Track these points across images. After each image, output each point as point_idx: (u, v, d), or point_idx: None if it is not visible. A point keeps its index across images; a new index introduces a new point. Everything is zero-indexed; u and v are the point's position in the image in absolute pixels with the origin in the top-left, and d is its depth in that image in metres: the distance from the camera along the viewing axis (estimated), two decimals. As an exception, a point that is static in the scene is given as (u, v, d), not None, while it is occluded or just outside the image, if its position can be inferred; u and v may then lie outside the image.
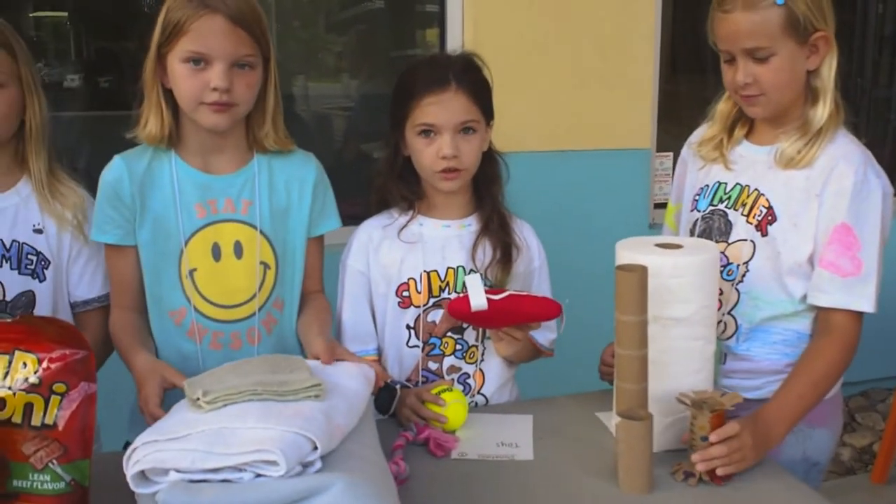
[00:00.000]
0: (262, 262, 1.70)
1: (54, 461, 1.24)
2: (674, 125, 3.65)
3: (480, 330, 1.82)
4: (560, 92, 3.42)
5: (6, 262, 1.68)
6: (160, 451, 1.19)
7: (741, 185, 1.76)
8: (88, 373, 1.26)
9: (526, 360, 1.92)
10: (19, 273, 1.69)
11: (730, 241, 1.75)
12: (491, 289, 1.75)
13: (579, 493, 1.48)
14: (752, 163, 1.76)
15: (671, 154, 3.60)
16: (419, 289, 1.79)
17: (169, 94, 1.62)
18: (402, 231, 1.82)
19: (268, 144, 1.69)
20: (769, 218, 1.70)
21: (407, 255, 1.81)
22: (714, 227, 1.79)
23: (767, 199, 1.71)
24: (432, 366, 1.82)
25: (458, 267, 1.81)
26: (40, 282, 1.71)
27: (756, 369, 1.74)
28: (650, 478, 1.47)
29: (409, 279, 1.80)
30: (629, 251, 1.57)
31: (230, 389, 1.30)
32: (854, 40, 4.51)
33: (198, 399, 1.29)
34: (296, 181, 1.75)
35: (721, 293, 1.70)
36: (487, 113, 1.81)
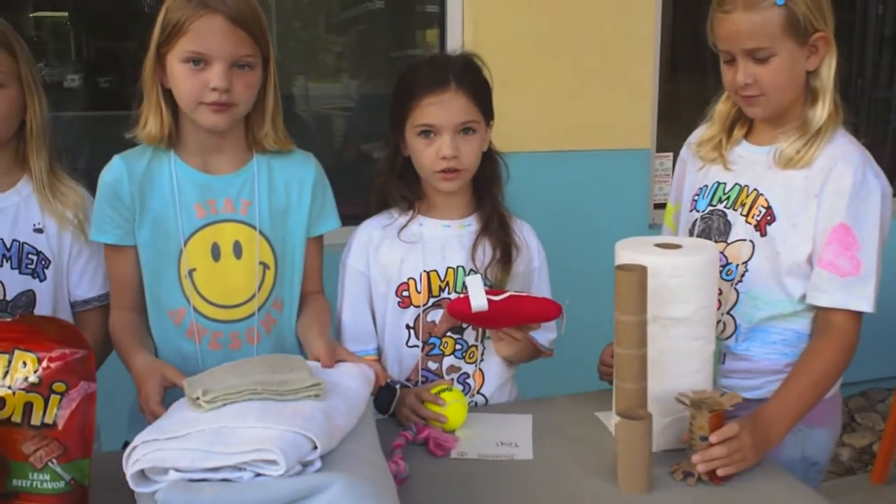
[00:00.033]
0: (261, 263, 1.71)
1: (54, 460, 1.24)
2: (674, 125, 3.65)
3: (480, 330, 1.83)
4: (560, 92, 3.42)
5: (6, 261, 1.68)
6: (160, 450, 1.19)
7: (740, 186, 1.77)
8: (88, 372, 1.26)
9: (526, 361, 1.92)
10: (20, 272, 1.69)
11: (729, 241, 1.75)
12: (491, 289, 1.75)
13: (579, 492, 1.48)
14: (751, 163, 1.77)
15: (671, 154, 3.60)
16: (419, 289, 1.79)
17: (168, 94, 1.62)
18: (402, 231, 1.82)
19: (267, 144, 1.69)
20: (768, 218, 1.70)
21: (407, 254, 1.81)
22: (713, 228, 1.79)
23: (766, 199, 1.71)
24: (432, 365, 1.82)
25: (457, 267, 1.81)
26: (41, 281, 1.72)
27: (755, 369, 1.74)
28: (649, 477, 1.47)
29: (408, 279, 1.80)
30: (629, 251, 1.57)
31: (230, 389, 1.30)
32: (854, 41, 4.51)
33: (197, 398, 1.29)
34: (295, 181, 1.75)
35: (720, 293, 1.70)
36: (487, 113, 1.81)
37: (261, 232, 1.70)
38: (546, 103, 3.40)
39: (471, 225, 1.85)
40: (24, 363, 1.23)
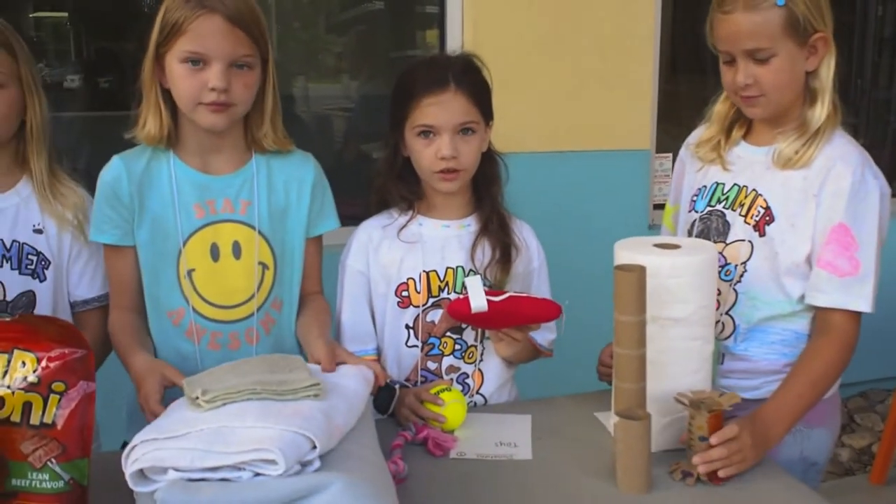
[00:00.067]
0: (260, 263, 1.71)
1: (53, 460, 1.24)
2: (673, 126, 3.65)
3: (479, 330, 1.83)
4: (560, 92, 3.42)
5: (6, 262, 1.68)
6: (159, 449, 1.19)
7: (739, 186, 1.77)
8: (87, 372, 1.26)
9: (525, 361, 1.92)
10: (20, 273, 1.69)
11: (728, 242, 1.75)
12: (491, 290, 1.75)
13: (578, 492, 1.48)
14: (749, 163, 1.77)
15: (671, 155, 3.61)
16: (418, 289, 1.80)
17: (167, 95, 1.62)
18: (402, 231, 1.82)
19: (266, 144, 1.69)
20: (767, 218, 1.70)
21: (406, 255, 1.81)
22: (712, 228, 1.79)
23: (765, 200, 1.71)
24: (431, 365, 1.83)
25: (457, 267, 1.81)
26: (41, 282, 1.72)
27: (754, 369, 1.75)
28: (648, 477, 1.47)
29: (408, 279, 1.80)
30: (628, 251, 1.57)
31: (229, 388, 1.31)
32: (854, 42, 4.51)
33: (197, 398, 1.29)
34: (294, 181, 1.75)
35: (719, 293, 1.70)
36: (487, 114, 1.81)
37: (260, 232, 1.70)
38: (546, 104, 3.40)
39: (470, 225, 1.85)
40: (24, 363, 1.23)
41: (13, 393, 1.22)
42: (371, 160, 3.38)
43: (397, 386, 1.78)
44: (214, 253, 1.68)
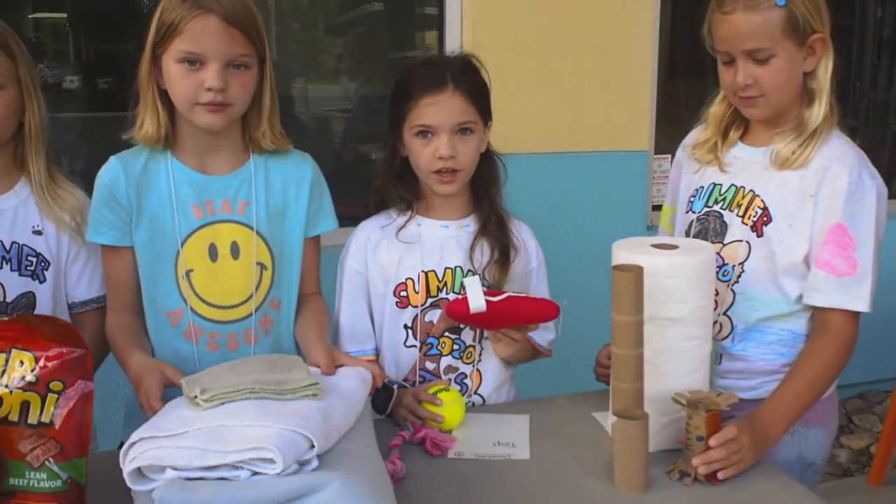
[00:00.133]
0: (258, 263, 1.71)
1: (51, 459, 1.24)
2: (672, 127, 3.65)
3: (478, 330, 1.83)
4: (558, 93, 3.43)
5: (6, 263, 1.68)
6: (157, 448, 1.19)
7: (736, 187, 1.77)
8: (85, 371, 1.26)
9: (524, 361, 1.93)
10: (19, 274, 1.69)
11: (725, 242, 1.76)
12: (489, 290, 1.75)
13: (576, 492, 1.48)
14: (746, 164, 1.77)
15: (669, 156, 3.61)
16: (417, 289, 1.80)
17: (164, 95, 1.62)
18: (401, 231, 1.83)
19: (264, 144, 1.69)
20: (764, 219, 1.71)
21: (405, 255, 1.81)
22: (709, 228, 1.79)
23: (763, 200, 1.71)
24: (429, 366, 1.83)
25: (455, 267, 1.81)
26: (40, 283, 1.72)
27: (751, 369, 1.75)
28: (646, 477, 1.47)
29: (406, 279, 1.80)
30: (625, 251, 1.57)
31: (228, 388, 1.31)
32: (853, 44, 4.52)
33: (195, 397, 1.29)
34: (293, 181, 1.75)
35: (716, 294, 1.70)
36: (485, 114, 1.81)
37: (258, 232, 1.70)
38: (544, 105, 3.41)
39: (469, 225, 1.86)
40: (22, 362, 1.23)
41: (11, 392, 1.22)
42: (370, 161, 3.39)
43: (395, 386, 1.78)
44: (213, 253, 1.68)
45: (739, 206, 1.75)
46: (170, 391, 1.44)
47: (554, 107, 3.42)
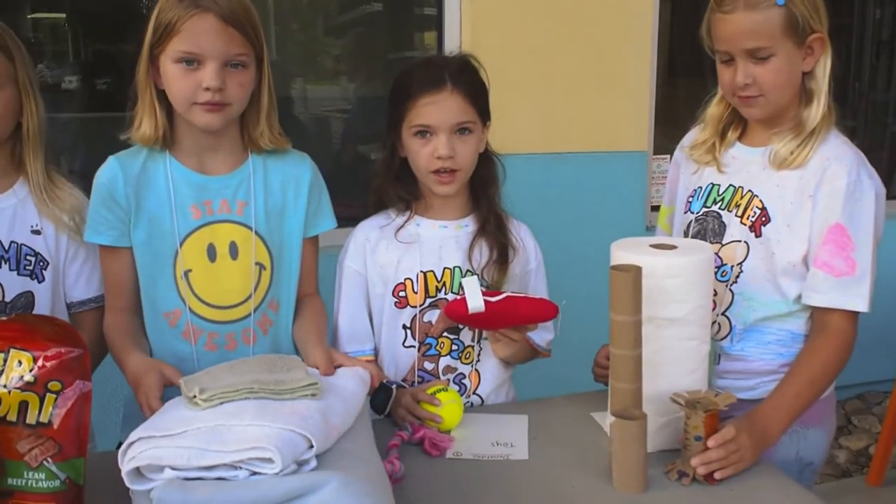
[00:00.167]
0: (257, 263, 1.71)
1: (49, 459, 1.24)
2: (671, 127, 3.65)
3: (476, 330, 1.83)
4: (557, 94, 3.43)
5: (5, 262, 1.68)
6: (156, 447, 1.20)
7: (734, 187, 1.77)
8: (84, 371, 1.26)
9: (523, 361, 1.93)
10: (18, 274, 1.69)
11: (723, 243, 1.76)
12: (488, 290, 1.75)
13: (574, 492, 1.48)
14: (745, 164, 1.77)
15: (668, 157, 3.60)
16: (416, 289, 1.80)
17: (162, 95, 1.62)
18: (399, 231, 1.83)
19: (263, 143, 1.69)
20: (763, 219, 1.71)
21: (404, 255, 1.81)
22: (708, 229, 1.79)
23: (761, 201, 1.72)
24: (428, 366, 1.83)
25: (454, 267, 1.81)
26: (39, 282, 1.72)
27: (750, 370, 1.75)
28: (644, 477, 1.47)
29: (405, 279, 1.80)
30: (624, 251, 1.57)
31: (227, 387, 1.31)
32: (852, 44, 4.52)
33: (194, 396, 1.29)
34: (291, 181, 1.75)
35: (715, 294, 1.70)
36: (484, 114, 1.81)
37: (256, 232, 1.70)
38: (543, 105, 3.41)
39: (468, 226, 1.86)
40: (20, 362, 1.23)
41: (9, 392, 1.22)
42: (369, 161, 3.39)
43: (394, 386, 1.78)
44: (211, 253, 1.68)
45: (738, 206, 1.75)
46: (168, 391, 1.44)
47: (553, 107, 3.43)
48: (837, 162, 1.65)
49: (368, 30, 3.80)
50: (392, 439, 1.61)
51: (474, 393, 1.86)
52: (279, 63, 3.51)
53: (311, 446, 1.24)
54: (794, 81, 1.69)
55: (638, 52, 3.55)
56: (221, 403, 1.29)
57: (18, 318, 1.37)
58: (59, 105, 3.36)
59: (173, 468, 1.18)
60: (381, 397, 1.74)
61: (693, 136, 1.90)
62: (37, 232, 1.72)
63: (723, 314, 1.76)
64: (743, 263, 1.73)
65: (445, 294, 1.80)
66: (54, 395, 1.24)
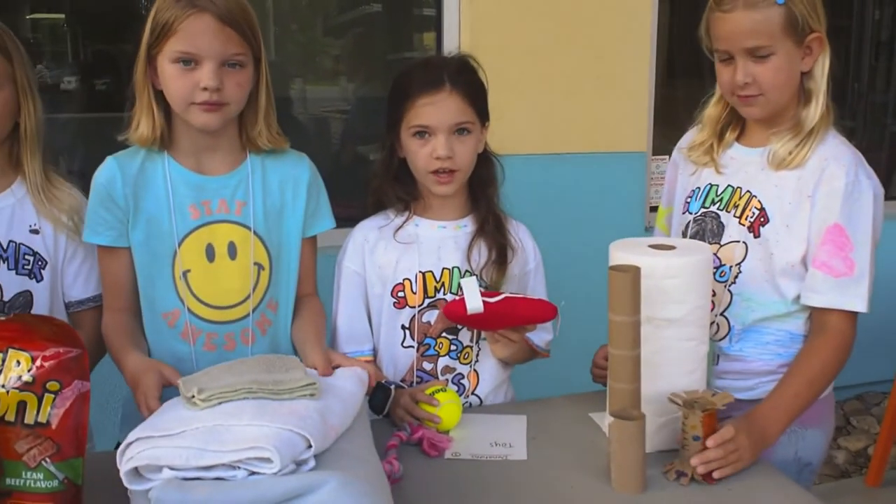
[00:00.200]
0: (255, 263, 1.71)
1: (47, 459, 1.24)
2: (670, 128, 3.65)
3: (475, 331, 1.83)
4: (556, 95, 3.43)
5: (3, 262, 1.68)
6: (154, 447, 1.20)
7: (733, 187, 1.77)
8: (82, 371, 1.26)
9: (522, 362, 1.93)
10: (16, 273, 1.69)
11: (722, 243, 1.76)
12: (487, 291, 1.75)
13: (572, 493, 1.48)
14: (743, 164, 1.77)
15: (667, 157, 3.60)
16: (414, 289, 1.80)
17: (160, 96, 1.62)
18: (398, 232, 1.83)
19: (261, 143, 1.69)
20: (762, 219, 1.71)
21: (402, 255, 1.81)
22: (706, 229, 1.79)
23: (760, 201, 1.72)
24: (427, 366, 1.83)
25: (453, 268, 1.81)
26: (37, 282, 1.72)
27: (748, 370, 1.75)
28: (643, 477, 1.47)
29: (404, 280, 1.80)
30: (622, 252, 1.57)
31: (225, 387, 1.31)
32: (851, 45, 4.52)
33: (193, 396, 1.29)
34: (290, 181, 1.75)
35: (713, 294, 1.70)
36: (482, 114, 1.81)
37: (255, 232, 1.70)
38: (542, 106, 3.41)
39: (466, 226, 1.86)
40: (18, 362, 1.23)
41: (8, 392, 1.22)
42: (368, 162, 3.39)
43: (393, 386, 1.78)
44: (210, 254, 1.68)
45: (736, 206, 1.75)
46: (167, 392, 1.44)
47: (551, 108, 3.43)
48: (836, 162, 1.65)
49: (367, 30, 3.80)
50: (391, 439, 1.61)
51: (473, 393, 1.86)
52: (278, 63, 3.51)
53: (310, 446, 1.24)
54: (794, 81, 1.69)
55: (637, 53, 3.55)
56: (220, 403, 1.29)
57: (17, 317, 1.37)
58: (58, 105, 3.36)
59: (172, 468, 1.18)
60: (380, 398, 1.74)
61: (690, 137, 1.90)
62: (35, 231, 1.72)
63: (721, 314, 1.76)
64: (741, 264, 1.73)
65: (444, 294, 1.80)
66: (52, 395, 1.24)
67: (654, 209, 3.55)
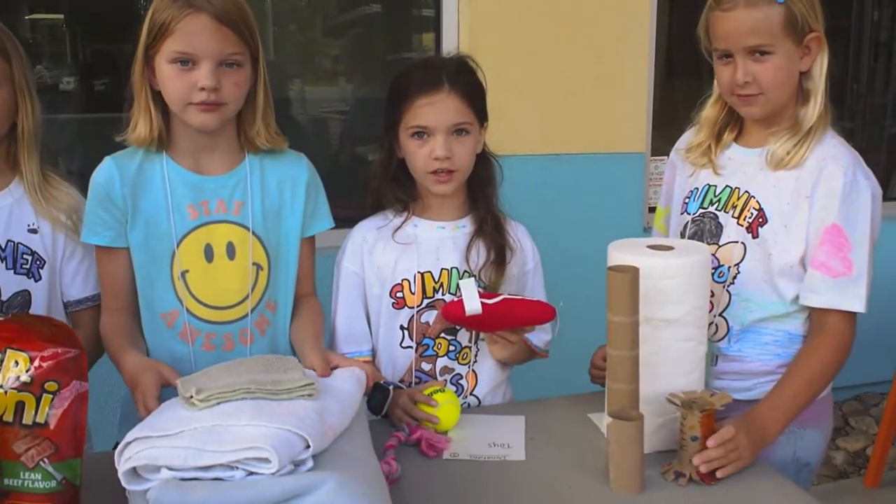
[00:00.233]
0: (254, 263, 1.70)
1: (45, 460, 1.24)
2: (669, 129, 3.65)
3: (474, 331, 1.83)
4: (555, 95, 3.43)
5: (1, 261, 1.68)
6: (152, 447, 1.19)
7: (731, 188, 1.77)
8: (80, 371, 1.26)
9: (520, 362, 1.93)
10: (15, 273, 1.69)
11: (720, 244, 1.76)
12: (485, 293, 1.75)
13: (570, 493, 1.48)
14: (741, 165, 1.77)
15: (666, 158, 3.60)
16: (413, 290, 1.80)
17: (158, 96, 1.62)
18: (397, 232, 1.83)
19: (259, 143, 1.69)
20: (760, 220, 1.71)
21: (401, 256, 1.81)
22: (705, 230, 1.79)
23: (758, 202, 1.72)
24: (425, 367, 1.83)
25: (452, 268, 1.81)
26: (36, 281, 1.72)
27: (747, 370, 1.75)
28: (641, 478, 1.47)
29: (402, 280, 1.80)
30: (621, 252, 1.57)
31: (224, 388, 1.31)
32: (850, 46, 4.52)
33: (191, 397, 1.29)
34: (288, 181, 1.75)
35: (712, 295, 1.70)
36: (481, 115, 1.81)
37: (254, 233, 1.70)
38: (542, 106, 3.41)
39: (465, 226, 1.86)
40: (16, 362, 1.23)
41: (6, 392, 1.22)
42: (367, 162, 3.39)
43: (391, 387, 1.78)
44: (208, 254, 1.68)
45: (735, 207, 1.75)
46: (165, 392, 1.44)
47: (551, 108, 3.43)
48: (834, 162, 1.65)
49: (367, 31, 3.80)
50: (389, 440, 1.61)
51: (471, 394, 1.86)
52: (277, 64, 3.51)
53: (308, 446, 1.24)
54: (793, 80, 1.69)
55: (636, 54, 3.55)
56: (218, 404, 1.29)
57: (15, 318, 1.37)
58: (57, 106, 3.36)
59: (170, 468, 1.18)
60: (379, 398, 1.74)
61: (688, 138, 1.90)
62: (33, 231, 1.72)
63: (720, 315, 1.76)
64: (740, 264, 1.73)
65: (443, 295, 1.80)
66: (51, 396, 1.23)
67: (652, 210, 3.55)
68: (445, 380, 1.83)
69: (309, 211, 1.77)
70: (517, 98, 3.32)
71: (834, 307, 1.65)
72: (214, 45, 1.56)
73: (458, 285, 1.77)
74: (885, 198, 1.73)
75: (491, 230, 1.84)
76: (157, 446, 1.20)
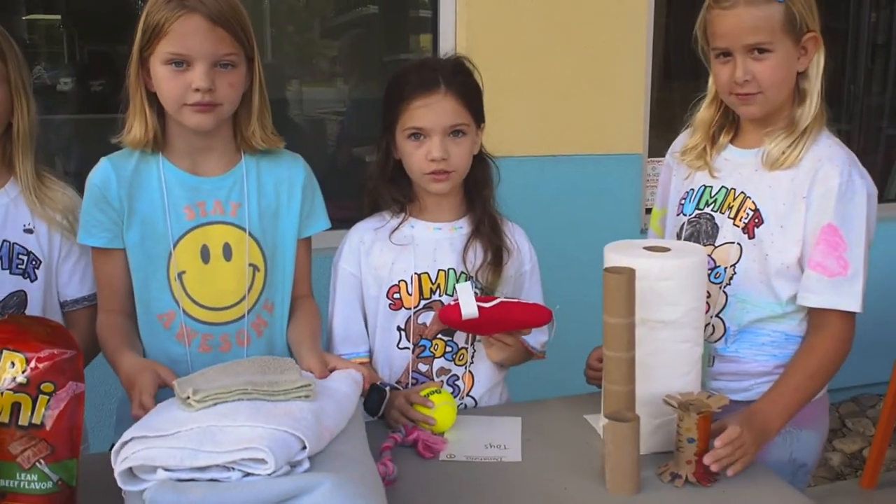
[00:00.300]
0: (251, 264, 1.70)
1: (41, 461, 1.24)
2: (666, 130, 3.65)
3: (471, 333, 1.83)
4: (552, 96, 3.43)
5: (-3, 262, 1.68)
6: (149, 448, 1.19)
7: (727, 189, 1.77)
8: (76, 372, 1.26)
9: (517, 364, 1.93)
10: (10, 273, 1.69)
11: (717, 245, 1.76)
12: (482, 296, 1.75)
13: (567, 494, 1.48)
14: (737, 166, 1.78)
15: (663, 160, 3.61)
16: (410, 291, 1.80)
17: (153, 98, 1.62)
18: (394, 233, 1.83)
19: (255, 143, 1.69)
20: (756, 220, 1.71)
21: (398, 257, 1.81)
22: (701, 231, 1.79)
23: (754, 202, 1.72)
24: (422, 367, 1.83)
25: (449, 269, 1.81)
26: (31, 282, 1.71)
27: (744, 371, 1.75)
28: (637, 479, 1.47)
29: (400, 281, 1.80)
30: (617, 254, 1.58)
31: (220, 388, 1.31)
32: (847, 48, 4.53)
33: (188, 397, 1.29)
34: (285, 182, 1.75)
35: (708, 296, 1.70)
36: (478, 116, 1.81)
37: (250, 234, 1.70)
38: (538, 107, 3.41)
39: (462, 227, 1.86)
40: (13, 363, 1.23)
41: (2, 393, 1.22)
42: (364, 163, 3.39)
43: (387, 388, 1.78)
44: (205, 255, 1.68)
45: (731, 208, 1.75)
46: (162, 393, 1.44)
47: (548, 109, 3.43)
48: (829, 162, 1.65)
49: (364, 32, 3.80)
50: (385, 441, 1.61)
51: (468, 395, 1.86)
52: (275, 65, 3.51)
53: (304, 447, 1.23)
54: (790, 80, 1.70)
55: (633, 55, 3.55)
56: (215, 404, 1.29)
57: (11, 319, 1.37)
58: (54, 106, 3.35)
59: (166, 469, 1.18)
60: (375, 399, 1.74)
61: (682, 140, 1.91)
62: (29, 231, 1.72)
63: (716, 316, 1.76)
64: (736, 265, 1.73)
65: (440, 296, 1.80)
66: (47, 397, 1.23)
67: (649, 211, 3.56)
68: (442, 381, 1.83)
69: (305, 212, 1.77)
70: (514, 99, 3.32)
71: (830, 307, 1.65)
72: (208, 45, 1.56)
73: (454, 288, 1.77)
74: (882, 199, 1.74)
75: (488, 231, 1.85)
76: (154, 447, 1.20)
